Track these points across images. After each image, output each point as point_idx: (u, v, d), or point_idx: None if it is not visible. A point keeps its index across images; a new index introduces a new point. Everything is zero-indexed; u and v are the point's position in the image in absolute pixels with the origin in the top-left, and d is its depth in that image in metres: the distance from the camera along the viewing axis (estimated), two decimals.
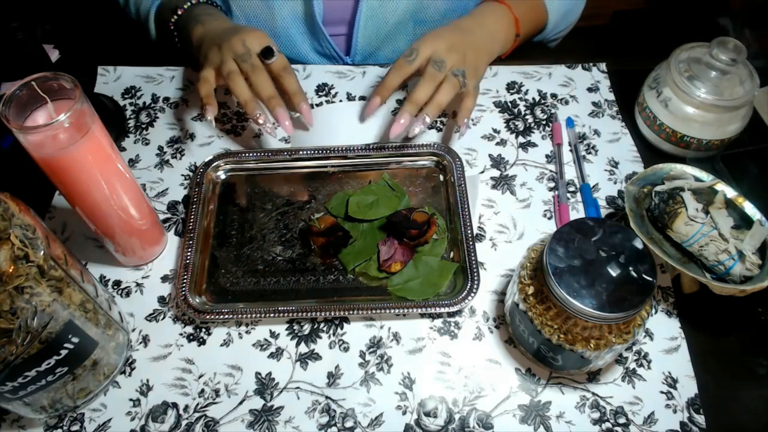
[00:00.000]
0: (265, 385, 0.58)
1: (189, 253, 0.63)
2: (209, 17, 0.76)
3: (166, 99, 0.80)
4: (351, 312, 0.59)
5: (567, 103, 0.79)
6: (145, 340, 0.60)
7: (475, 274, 0.61)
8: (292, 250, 0.65)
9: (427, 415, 0.56)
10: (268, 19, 0.80)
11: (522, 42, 0.81)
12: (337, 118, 0.76)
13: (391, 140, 0.70)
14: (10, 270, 0.43)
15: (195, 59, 0.74)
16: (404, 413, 0.56)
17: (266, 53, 0.68)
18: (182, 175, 0.73)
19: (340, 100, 0.79)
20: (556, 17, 0.83)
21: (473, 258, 0.62)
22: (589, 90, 0.81)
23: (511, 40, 0.79)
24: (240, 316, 0.60)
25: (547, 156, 0.74)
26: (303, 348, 0.60)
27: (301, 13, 0.80)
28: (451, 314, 0.62)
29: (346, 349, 0.60)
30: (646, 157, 0.74)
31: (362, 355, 0.59)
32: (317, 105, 0.79)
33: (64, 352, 0.48)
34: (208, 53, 0.70)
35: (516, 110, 0.78)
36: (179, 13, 0.76)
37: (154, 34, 0.82)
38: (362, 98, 0.79)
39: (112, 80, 0.82)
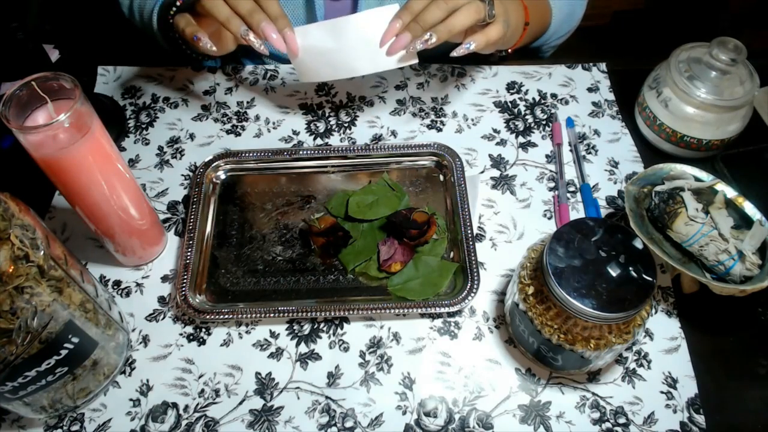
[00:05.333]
0: (265, 385, 0.58)
1: (189, 253, 0.63)
2: None
3: (166, 99, 0.80)
4: (351, 312, 0.59)
5: (567, 103, 0.79)
6: (145, 340, 0.60)
7: (475, 274, 0.61)
8: (292, 250, 0.65)
9: (427, 415, 0.56)
10: None
11: (528, 40, 0.80)
12: (337, 39, 0.64)
13: (388, 55, 0.63)
14: (10, 270, 0.43)
15: (194, 58, 0.73)
16: (404, 413, 0.56)
17: None
18: (182, 175, 0.73)
19: (341, 101, 0.79)
20: (559, 17, 0.82)
21: (473, 258, 0.62)
22: (589, 90, 0.81)
23: (521, 28, 0.74)
24: (240, 316, 0.60)
25: (547, 156, 0.74)
26: (303, 348, 0.60)
27: (303, 15, 0.80)
28: (451, 314, 0.62)
29: (346, 349, 0.60)
30: (646, 157, 0.74)
31: (362, 355, 0.59)
32: (317, 105, 0.79)
33: (64, 352, 0.48)
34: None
35: (516, 110, 0.78)
36: (178, 4, 0.74)
37: (159, 36, 0.81)
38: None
39: (112, 80, 0.82)
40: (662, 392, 0.57)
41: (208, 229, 0.67)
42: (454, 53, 0.63)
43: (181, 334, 0.61)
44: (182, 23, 0.65)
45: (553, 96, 0.80)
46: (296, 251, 0.65)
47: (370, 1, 0.78)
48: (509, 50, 0.78)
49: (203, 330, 0.61)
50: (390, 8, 0.62)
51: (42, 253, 0.45)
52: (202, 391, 0.57)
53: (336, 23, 0.64)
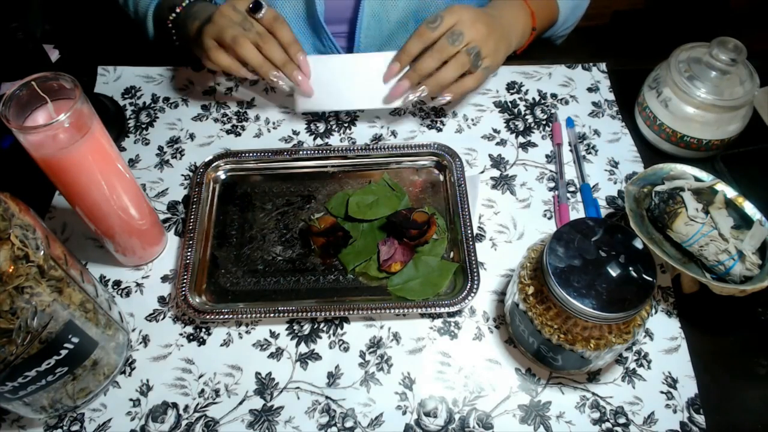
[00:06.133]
0: (265, 385, 0.58)
1: (189, 253, 0.63)
2: (205, 11, 0.76)
3: (166, 99, 0.80)
4: (351, 312, 0.59)
5: (567, 103, 0.79)
6: (145, 340, 0.60)
7: (475, 274, 0.61)
8: (292, 250, 0.65)
9: (427, 415, 0.56)
10: None
11: (536, 37, 0.81)
12: (340, 74, 0.72)
13: (390, 102, 0.71)
14: (10, 270, 0.43)
15: (195, 57, 0.74)
16: (404, 413, 0.56)
17: (255, 8, 0.68)
18: (182, 175, 0.73)
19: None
20: (566, 11, 0.83)
21: (473, 258, 0.62)
22: (589, 90, 0.81)
23: (528, 34, 0.78)
24: (240, 316, 0.60)
25: (547, 156, 0.74)
26: (303, 348, 0.60)
27: (303, 12, 0.80)
28: (451, 314, 0.62)
29: (346, 349, 0.60)
30: (646, 157, 0.74)
31: (362, 355, 0.59)
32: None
33: (64, 352, 0.48)
34: (204, 29, 0.70)
35: (516, 110, 0.78)
36: (177, 11, 0.76)
37: (152, 33, 0.82)
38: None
39: (112, 80, 0.82)
40: (662, 392, 0.57)
41: (208, 229, 0.67)
42: (434, 103, 0.71)
43: (181, 334, 0.61)
44: (224, 60, 0.69)
45: (553, 96, 0.80)
46: (296, 251, 0.65)
47: (372, 1, 0.78)
48: (516, 52, 0.79)
49: (203, 330, 0.61)
50: (393, 54, 0.69)
51: (42, 253, 0.45)
52: (202, 391, 0.57)
53: (343, 59, 0.72)
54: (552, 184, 0.71)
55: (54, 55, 0.78)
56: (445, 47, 0.66)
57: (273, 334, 0.61)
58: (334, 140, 0.76)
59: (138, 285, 0.64)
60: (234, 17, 0.68)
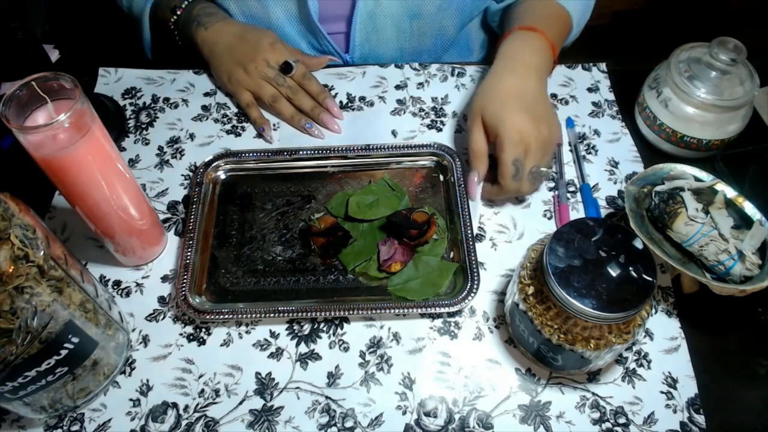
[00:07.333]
0: (265, 385, 0.58)
1: (189, 253, 0.63)
2: (209, 18, 0.76)
3: (166, 99, 0.80)
4: (351, 312, 0.59)
5: (567, 103, 0.79)
6: (145, 340, 0.60)
7: (475, 274, 0.61)
8: (292, 250, 0.65)
9: (427, 415, 0.56)
10: (264, 18, 0.80)
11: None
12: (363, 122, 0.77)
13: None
14: (10, 270, 0.43)
15: (200, 59, 0.76)
16: (404, 413, 0.56)
17: (286, 69, 0.75)
18: (182, 175, 0.73)
19: (341, 101, 0.79)
20: (578, 28, 0.80)
21: (473, 258, 0.62)
22: (589, 90, 0.81)
23: (550, 69, 0.72)
24: (240, 316, 0.60)
25: None
26: (303, 348, 0.60)
27: (296, 12, 0.80)
28: (451, 314, 0.62)
29: (346, 349, 0.60)
30: (646, 157, 0.74)
31: (362, 355, 0.59)
32: None
33: (64, 352, 0.48)
34: (233, 73, 0.76)
35: None
36: (178, 12, 0.77)
37: (147, 32, 0.82)
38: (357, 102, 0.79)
39: (112, 81, 0.82)
40: (662, 392, 0.57)
41: (208, 229, 0.67)
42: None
43: (181, 334, 0.61)
44: (254, 113, 0.76)
45: (553, 96, 0.80)
46: (296, 251, 0.65)
47: (368, 1, 0.78)
48: None
49: (203, 330, 0.61)
50: None
51: (42, 253, 0.45)
52: (202, 391, 0.57)
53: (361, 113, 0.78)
54: (552, 184, 0.71)
55: (54, 55, 0.78)
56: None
57: (273, 334, 0.61)
58: (335, 140, 0.76)
59: (138, 285, 0.64)
60: (269, 72, 0.75)
